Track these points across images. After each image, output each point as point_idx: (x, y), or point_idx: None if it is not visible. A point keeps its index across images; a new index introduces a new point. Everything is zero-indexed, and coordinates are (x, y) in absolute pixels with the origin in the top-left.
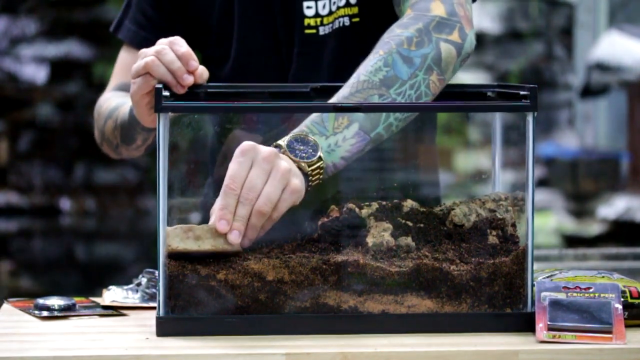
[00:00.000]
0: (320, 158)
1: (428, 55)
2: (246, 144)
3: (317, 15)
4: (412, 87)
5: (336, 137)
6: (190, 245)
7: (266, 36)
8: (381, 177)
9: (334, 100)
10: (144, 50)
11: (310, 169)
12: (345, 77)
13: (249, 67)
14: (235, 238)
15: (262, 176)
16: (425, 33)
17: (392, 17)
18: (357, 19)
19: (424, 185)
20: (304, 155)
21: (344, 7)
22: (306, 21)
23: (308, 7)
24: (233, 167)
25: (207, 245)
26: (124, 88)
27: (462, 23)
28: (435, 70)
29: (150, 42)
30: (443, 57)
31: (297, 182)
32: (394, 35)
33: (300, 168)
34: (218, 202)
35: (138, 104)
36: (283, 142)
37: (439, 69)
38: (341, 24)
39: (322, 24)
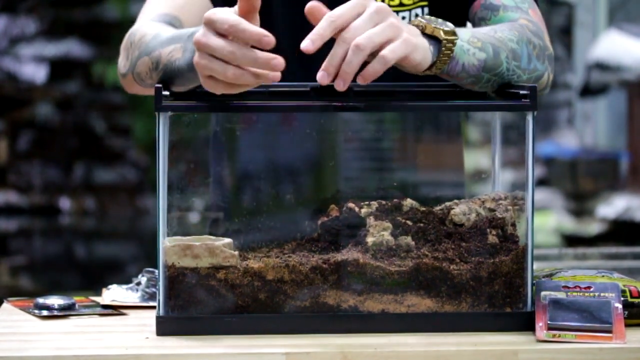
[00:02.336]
0: (454, 33)
1: (537, 70)
2: None
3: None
4: (529, 73)
5: (469, 46)
6: (188, 263)
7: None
8: (380, 176)
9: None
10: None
11: (445, 36)
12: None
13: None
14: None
15: (368, 24)
16: (541, 55)
17: (461, 14)
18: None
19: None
20: (439, 25)
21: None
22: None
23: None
24: (340, 8)
25: (205, 263)
26: (167, 20)
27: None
28: (537, 85)
29: None
30: (540, 82)
31: (410, 37)
32: (527, 31)
33: (433, 34)
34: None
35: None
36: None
37: (539, 85)
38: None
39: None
